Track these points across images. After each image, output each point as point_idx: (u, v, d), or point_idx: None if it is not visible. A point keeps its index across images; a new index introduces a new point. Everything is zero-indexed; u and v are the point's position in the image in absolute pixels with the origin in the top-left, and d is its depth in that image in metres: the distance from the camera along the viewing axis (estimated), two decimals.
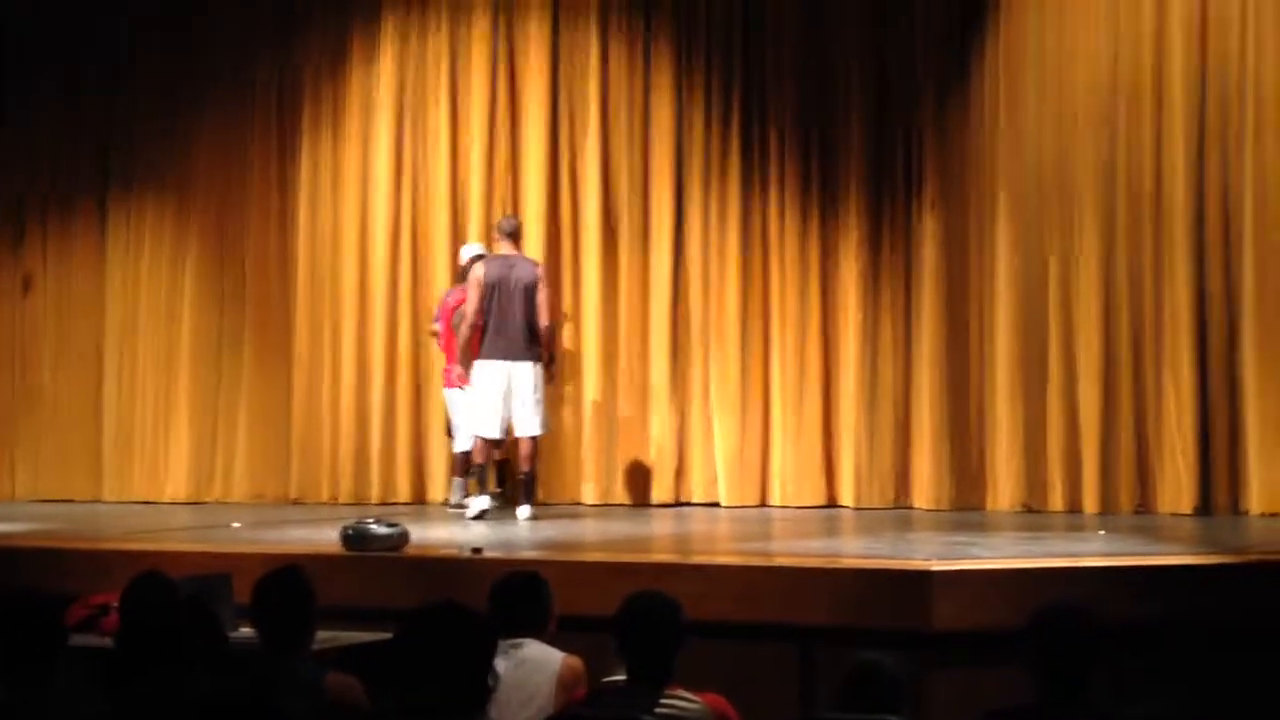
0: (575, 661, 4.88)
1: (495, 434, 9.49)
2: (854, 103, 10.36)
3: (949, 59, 10.18)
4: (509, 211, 10.95)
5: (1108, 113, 9.69)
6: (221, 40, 12.00)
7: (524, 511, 9.37)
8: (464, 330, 9.50)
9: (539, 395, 9.49)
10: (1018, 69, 10.00)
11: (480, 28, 11.33)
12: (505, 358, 9.41)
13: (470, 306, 9.46)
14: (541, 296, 9.52)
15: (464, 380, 9.61)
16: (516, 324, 9.41)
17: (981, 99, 10.09)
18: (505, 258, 9.62)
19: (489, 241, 10.48)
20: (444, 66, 11.38)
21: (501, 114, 11.24)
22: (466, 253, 10.42)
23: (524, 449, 9.59)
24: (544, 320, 9.54)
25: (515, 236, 9.85)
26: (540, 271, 9.72)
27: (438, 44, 11.43)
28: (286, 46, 11.85)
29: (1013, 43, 10.02)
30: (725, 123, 10.73)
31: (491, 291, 9.41)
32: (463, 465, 10.13)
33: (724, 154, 10.72)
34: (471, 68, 11.32)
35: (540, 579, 5.15)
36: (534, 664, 4.82)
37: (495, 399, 9.39)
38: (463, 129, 11.33)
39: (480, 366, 9.44)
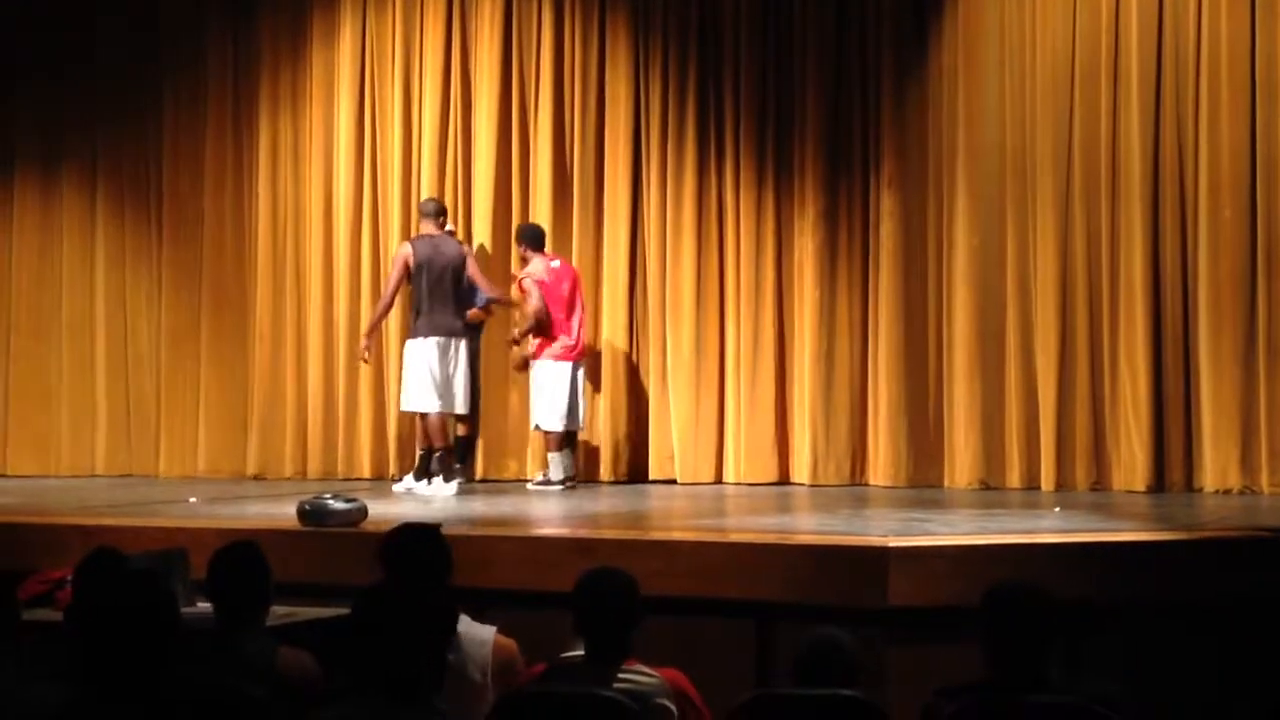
0: (507, 641, 4.70)
1: (438, 408, 9.69)
2: (812, 77, 10.37)
3: (908, 33, 10.21)
4: (459, 188, 11.03)
5: (1065, 92, 9.75)
6: (175, 21, 11.97)
7: (449, 488, 9.61)
8: (379, 306, 9.98)
9: (468, 371, 9.90)
10: (977, 46, 10.03)
11: (435, 2, 11.29)
12: (444, 334, 9.67)
13: (390, 284, 9.86)
14: (472, 270, 9.95)
15: (368, 354, 10.13)
16: (449, 302, 9.73)
17: (940, 75, 10.12)
18: (431, 238, 9.88)
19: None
20: (400, 44, 11.37)
21: (455, 89, 11.23)
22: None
23: (457, 424, 10.03)
24: (491, 292, 10.06)
25: (437, 217, 10.07)
26: (468, 249, 10.16)
27: (394, 21, 11.40)
28: (241, 26, 11.83)
29: (972, 19, 10.06)
30: (682, 96, 10.71)
31: (422, 271, 9.67)
32: (559, 441, 10.07)
33: (680, 128, 10.70)
34: (426, 44, 11.31)
35: (433, 528, 4.97)
36: (467, 650, 4.56)
37: (435, 374, 9.63)
38: (416, 105, 11.32)
39: (417, 344, 9.69)
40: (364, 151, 11.43)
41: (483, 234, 10.92)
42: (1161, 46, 9.54)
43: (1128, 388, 9.52)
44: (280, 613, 5.63)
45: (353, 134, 11.44)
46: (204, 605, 4.93)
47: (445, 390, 9.68)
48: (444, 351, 9.66)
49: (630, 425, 10.74)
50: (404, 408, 10.01)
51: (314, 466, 11.31)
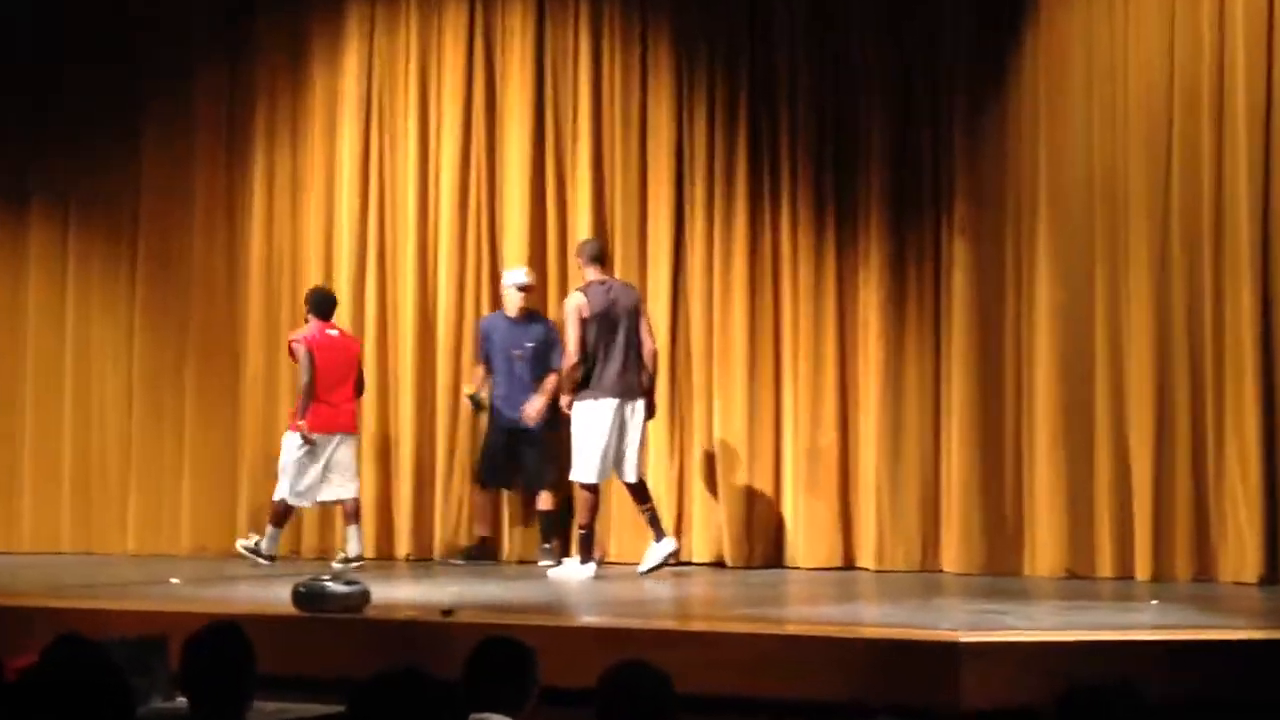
0: None
1: (598, 478, 9.63)
2: (875, 110, 10.40)
3: (983, 57, 10.21)
4: (484, 230, 11.13)
5: (1163, 123, 9.69)
6: (161, 41, 12.04)
7: (586, 569, 9.67)
8: (565, 367, 9.71)
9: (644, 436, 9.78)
10: (1061, 71, 10.03)
11: (455, 22, 11.39)
12: (620, 396, 9.61)
13: (570, 341, 9.64)
14: (644, 321, 9.85)
15: (566, 411, 9.83)
16: (627, 357, 9.65)
17: (1019, 105, 10.12)
18: (603, 284, 9.81)
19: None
20: (414, 66, 11.45)
21: (478, 118, 11.30)
22: (511, 278, 10.77)
23: (635, 495, 9.80)
24: (650, 346, 9.86)
25: (603, 260, 10.03)
26: (639, 294, 10.03)
27: (407, 40, 11.49)
28: (236, 46, 11.93)
29: (1056, 42, 10.06)
30: (731, 131, 10.76)
31: (596, 323, 9.60)
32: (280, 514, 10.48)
33: (729, 166, 10.75)
34: (444, 67, 11.39)
35: (526, 648, 5.09)
36: None
37: (608, 441, 9.56)
38: (434, 135, 11.39)
39: (590, 406, 9.60)
40: (370, 187, 11.48)
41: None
42: (1272, 70, 9.49)
43: (1236, 465, 9.44)
44: (270, 709, 5.65)
45: (358, 167, 11.51)
46: (183, 700, 4.93)
47: (614, 458, 9.61)
48: (619, 415, 9.61)
49: (674, 499, 10.70)
50: (570, 477, 9.88)
51: (309, 543, 11.33)
